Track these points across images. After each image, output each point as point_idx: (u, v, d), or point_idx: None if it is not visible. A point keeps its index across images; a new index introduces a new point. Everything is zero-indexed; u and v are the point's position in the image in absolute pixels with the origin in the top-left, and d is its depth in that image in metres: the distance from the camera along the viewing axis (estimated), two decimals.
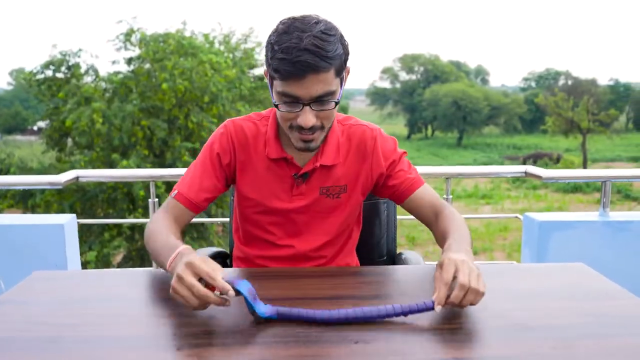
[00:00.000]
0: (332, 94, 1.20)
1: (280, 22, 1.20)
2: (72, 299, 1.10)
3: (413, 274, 1.29)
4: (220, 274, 0.97)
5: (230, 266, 1.57)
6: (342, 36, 1.22)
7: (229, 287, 0.94)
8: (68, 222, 2.36)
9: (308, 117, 1.20)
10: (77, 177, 2.47)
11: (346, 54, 1.23)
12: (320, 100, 1.20)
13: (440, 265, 1.03)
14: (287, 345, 0.89)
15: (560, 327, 0.96)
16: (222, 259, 1.61)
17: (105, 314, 1.02)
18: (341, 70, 1.22)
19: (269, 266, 1.40)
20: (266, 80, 1.26)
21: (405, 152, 1.43)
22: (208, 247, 1.64)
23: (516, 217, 2.77)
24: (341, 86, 1.25)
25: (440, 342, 0.91)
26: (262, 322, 0.97)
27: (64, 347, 0.89)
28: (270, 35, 1.20)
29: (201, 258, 1.00)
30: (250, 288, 0.96)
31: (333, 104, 1.22)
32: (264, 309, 0.96)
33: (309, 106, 1.19)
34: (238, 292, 0.95)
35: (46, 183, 2.45)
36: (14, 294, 1.13)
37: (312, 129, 1.24)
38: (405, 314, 0.97)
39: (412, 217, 1.41)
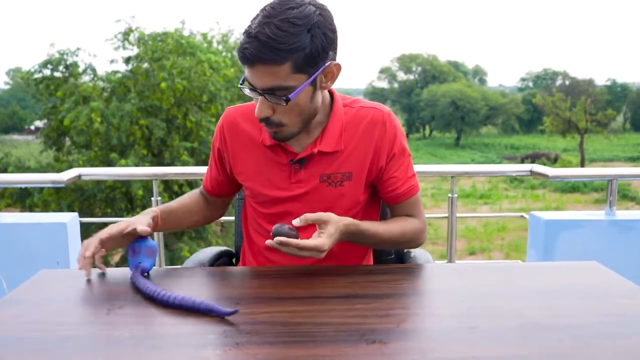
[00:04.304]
0: (284, 89, 1.11)
1: None
2: (83, 298, 1.08)
3: (424, 272, 1.27)
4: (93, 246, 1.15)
5: (236, 265, 1.56)
6: (317, 26, 1.10)
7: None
8: (70, 220, 2.34)
9: (260, 108, 1.15)
10: (80, 175, 2.46)
11: (318, 47, 1.11)
12: (272, 93, 1.12)
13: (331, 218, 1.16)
14: (304, 344, 0.88)
15: (577, 326, 0.94)
16: (228, 258, 1.59)
17: (116, 313, 1.00)
18: (305, 65, 1.11)
19: (274, 257, 1.34)
20: None
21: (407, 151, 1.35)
22: (212, 246, 1.62)
23: (521, 216, 2.76)
24: (313, 83, 1.15)
25: (458, 341, 0.90)
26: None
27: (83, 346, 0.88)
28: None
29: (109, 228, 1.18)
30: (151, 247, 1.17)
31: (283, 100, 1.12)
32: (132, 271, 1.14)
33: (263, 96, 1.13)
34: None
35: (48, 181, 2.44)
36: (21, 293, 1.11)
37: (268, 122, 1.17)
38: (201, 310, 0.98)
39: None
